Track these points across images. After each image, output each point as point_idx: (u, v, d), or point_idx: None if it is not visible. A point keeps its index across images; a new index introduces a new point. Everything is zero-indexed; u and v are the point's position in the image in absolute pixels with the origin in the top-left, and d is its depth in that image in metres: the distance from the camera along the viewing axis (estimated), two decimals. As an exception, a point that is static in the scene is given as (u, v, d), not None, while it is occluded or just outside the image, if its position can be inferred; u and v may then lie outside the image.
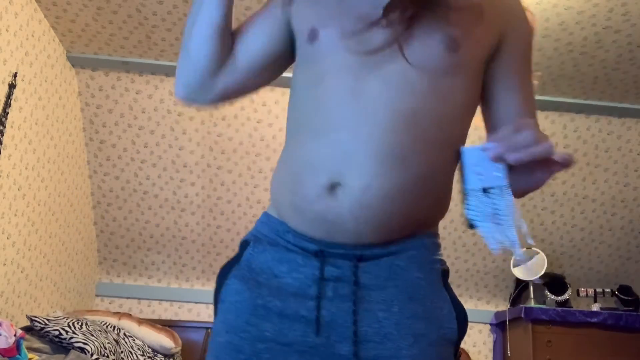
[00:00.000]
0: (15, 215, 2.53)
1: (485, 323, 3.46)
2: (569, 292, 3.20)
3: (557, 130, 3.07)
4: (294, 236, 0.83)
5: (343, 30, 0.83)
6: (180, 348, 2.91)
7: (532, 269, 3.18)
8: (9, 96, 2.38)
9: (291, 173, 0.83)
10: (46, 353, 2.23)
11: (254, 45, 0.94)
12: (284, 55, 0.96)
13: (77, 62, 2.88)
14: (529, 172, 0.76)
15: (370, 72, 0.79)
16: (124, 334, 2.72)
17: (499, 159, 0.70)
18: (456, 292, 0.87)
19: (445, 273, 0.85)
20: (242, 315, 0.81)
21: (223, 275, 0.88)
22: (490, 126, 0.92)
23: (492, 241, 0.68)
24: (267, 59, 0.94)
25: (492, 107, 0.91)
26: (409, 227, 0.81)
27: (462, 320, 0.81)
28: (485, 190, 0.70)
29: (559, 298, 3.17)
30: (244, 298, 0.83)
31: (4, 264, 2.47)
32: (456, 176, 0.80)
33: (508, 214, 0.68)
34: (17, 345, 1.99)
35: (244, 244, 0.89)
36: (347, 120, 0.78)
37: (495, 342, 3.40)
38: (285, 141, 0.90)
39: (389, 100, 0.77)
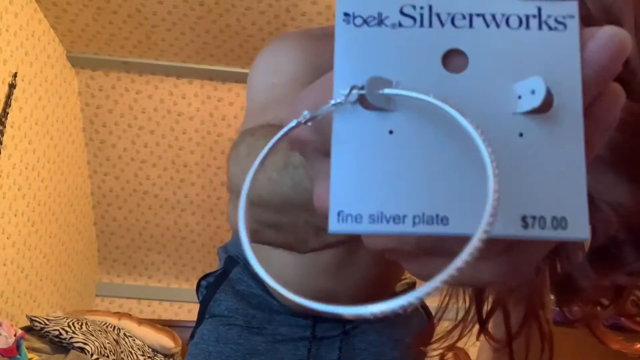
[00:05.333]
0: (15, 215, 2.53)
1: (485, 323, 3.46)
2: (569, 292, 3.20)
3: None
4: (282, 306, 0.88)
5: None
6: (180, 348, 2.91)
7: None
8: (9, 96, 2.38)
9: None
10: (46, 353, 2.23)
11: None
12: None
13: (77, 62, 2.88)
14: None
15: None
16: (124, 334, 2.72)
17: None
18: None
19: (412, 285, 0.96)
20: (235, 329, 0.84)
21: (211, 288, 0.89)
22: None
23: None
24: None
25: None
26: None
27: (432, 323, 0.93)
28: None
29: (559, 298, 3.17)
30: (236, 314, 0.85)
31: (4, 264, 2.46)
32: None
33: None
34: (17, 345, 1.99)
35: (231, 261, 0.91)
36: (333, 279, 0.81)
37: (495, 342, 3.40)
38: None
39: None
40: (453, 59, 0.19)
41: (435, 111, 0.19)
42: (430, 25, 0.20)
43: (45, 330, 2.28)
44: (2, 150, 2.37)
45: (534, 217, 0.19)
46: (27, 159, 2.60)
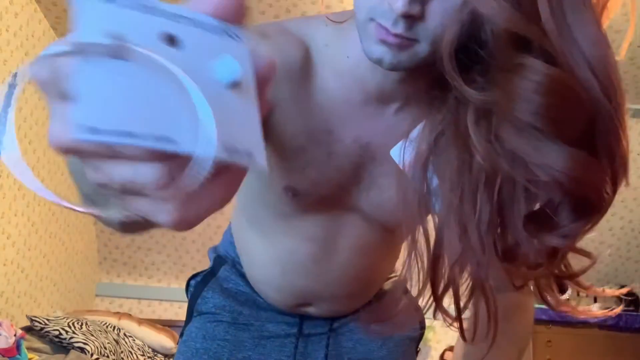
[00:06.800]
0: (15, 215, 2.53)
1: (485, 323, 3.46)
2: (569, 292, 3.20)
3: (557, 130, 3.07)
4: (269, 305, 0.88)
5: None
6: (180, 348, 2.91)
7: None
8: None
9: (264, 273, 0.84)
10: (46, 353, 2.23)
11: None
12: None
13: (77, 62, 2.88)
14: None
15: (339, 227, 0.76)
16: (124, 334, 2.72)
17: None
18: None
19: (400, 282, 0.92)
20: (222, 325, 0.84)
21: (198, 286, 0.90)
22: None
23: None
24: None
25: None
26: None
27: (422, 321, 0.93)
28: None
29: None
30: (223, 311, 0.86)
31: (4, 264, 2.46)
32: None
33: None
34: (17, 345, 1.99)
35: (219, 260, 0.91)
36: (315, 267, 0.79)
37: (495, 342, 3.39)
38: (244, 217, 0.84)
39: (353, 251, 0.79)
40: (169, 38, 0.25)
41: (156, 68, 0.25)
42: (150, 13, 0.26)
43: (45, 330, 2.28)
44: (2, 150, 2.37)
45: (233, 148, 0.26)
46: (27, 159, 2.59)
